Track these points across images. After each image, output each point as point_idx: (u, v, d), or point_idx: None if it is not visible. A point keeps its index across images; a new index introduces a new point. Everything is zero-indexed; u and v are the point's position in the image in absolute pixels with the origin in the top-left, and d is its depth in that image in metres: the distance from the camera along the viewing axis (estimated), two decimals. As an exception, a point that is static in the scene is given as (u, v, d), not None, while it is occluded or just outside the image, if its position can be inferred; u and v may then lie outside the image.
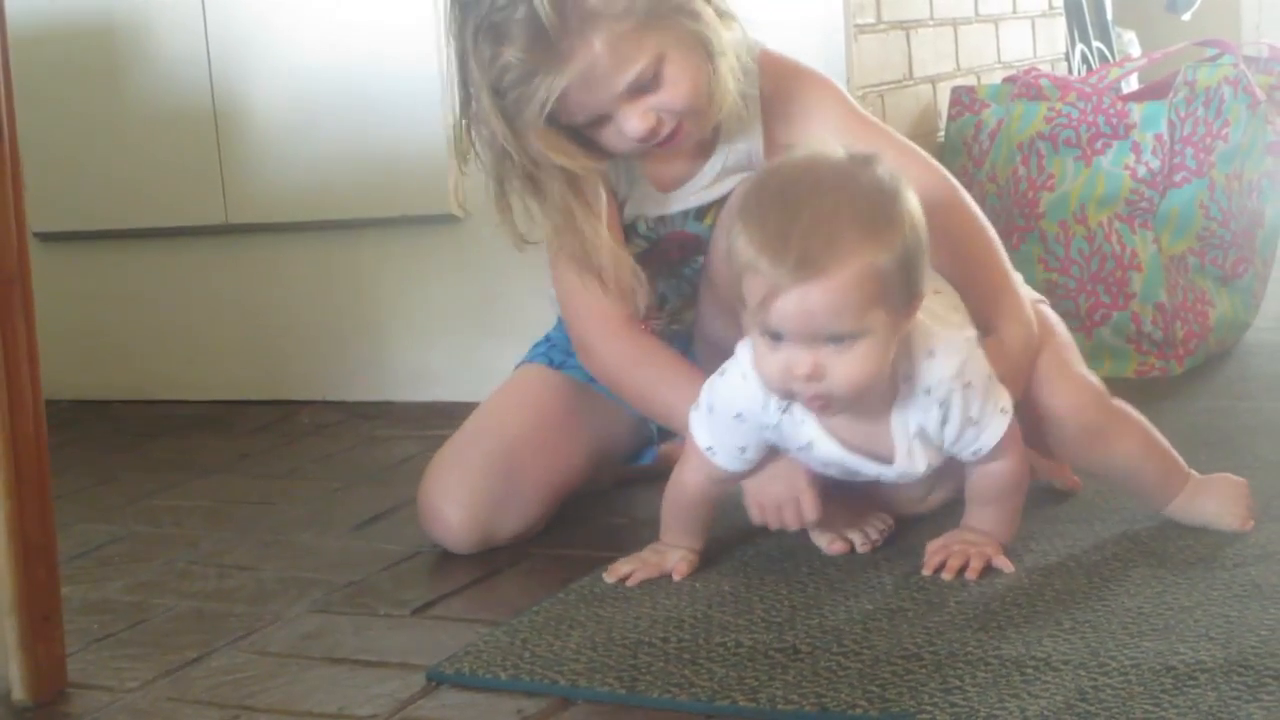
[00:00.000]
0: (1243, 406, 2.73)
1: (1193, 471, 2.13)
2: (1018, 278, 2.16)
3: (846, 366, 1.80)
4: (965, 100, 3.27)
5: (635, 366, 2.16)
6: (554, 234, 2.10)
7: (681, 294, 2.31)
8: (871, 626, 1.84)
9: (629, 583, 2.03)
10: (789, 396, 1.88)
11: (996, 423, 1.92)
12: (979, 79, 3.59)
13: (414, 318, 3.28)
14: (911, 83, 3.27)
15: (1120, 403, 2.11)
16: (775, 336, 1.82)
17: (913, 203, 1.83)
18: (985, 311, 2.05)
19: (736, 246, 1.80)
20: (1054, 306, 3.04)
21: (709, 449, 2.00)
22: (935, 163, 2.20)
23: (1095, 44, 5.14)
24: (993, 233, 2.15)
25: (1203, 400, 2.82)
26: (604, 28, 1.95)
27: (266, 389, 3.46)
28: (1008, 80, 3.36)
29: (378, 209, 3.21)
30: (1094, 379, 2.11)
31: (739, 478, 2.04)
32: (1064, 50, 4.29)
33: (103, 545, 2.46)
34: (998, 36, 3.77)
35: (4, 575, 1.80)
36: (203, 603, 2.16)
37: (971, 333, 1.93)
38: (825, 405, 1.87)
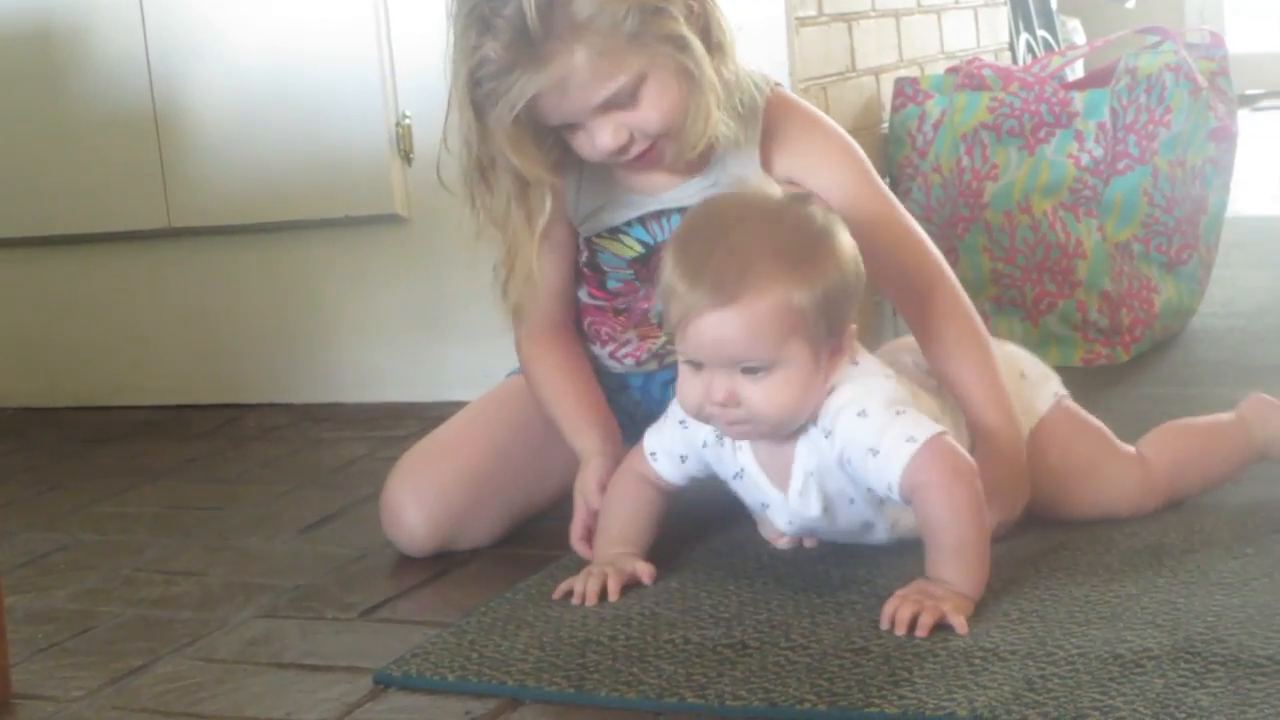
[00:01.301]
0: (1188, 393, 2.74)
1: (1237, 415, 2.20)
2: (1038, 371, 2.17)
3: (762, 395, 1.82)
4: (908, 91, 3.27)
5: (542, 380, 2.24)
6: (489, 229, 2.13)
7: None
8: (819, 620, 1.84)
9: (611, 597, 1.97)
10: (707, 421, 1.89)
11: (899, 452, 1.82)
12: (922, 70, 3.59)
13: (361, 319, 3.26)
14: (854, 75, 3.27)
15: (1164, 447, 2.16)
16: (695, 363, 1.84)
17: (844, 244, 1.84)
18: (972, 415, 2.04)
19: (662, 272, 1.83)
20: (999, 295, 3.06)
21: (652, 453, 2.01)
22: (937, 252, 2.16)
23: (1040, 33, 5.15)
24: (990, 342, 2.12)
25: (1149, 387, 2.83)
26: (588, 40, 1.94)
27: (213, 393, 3.44)
28: (950, 71, 3.36)
29: (322, 210, 3.20)
30: (1130, 466, 2.12)
31: (672, 491, 2.04)
32: (1007, 40, 4.30)
33: (48, 553, 2.44)
34: (940, 27, 3.77)
35: (-55, 586, 1.79)
36: (149, 610, 2.15)
37: (887, 377, 1.90)
38: (743, 433, 1.90)
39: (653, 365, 2.27)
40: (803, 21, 3.01)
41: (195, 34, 3.25)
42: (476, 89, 2.00)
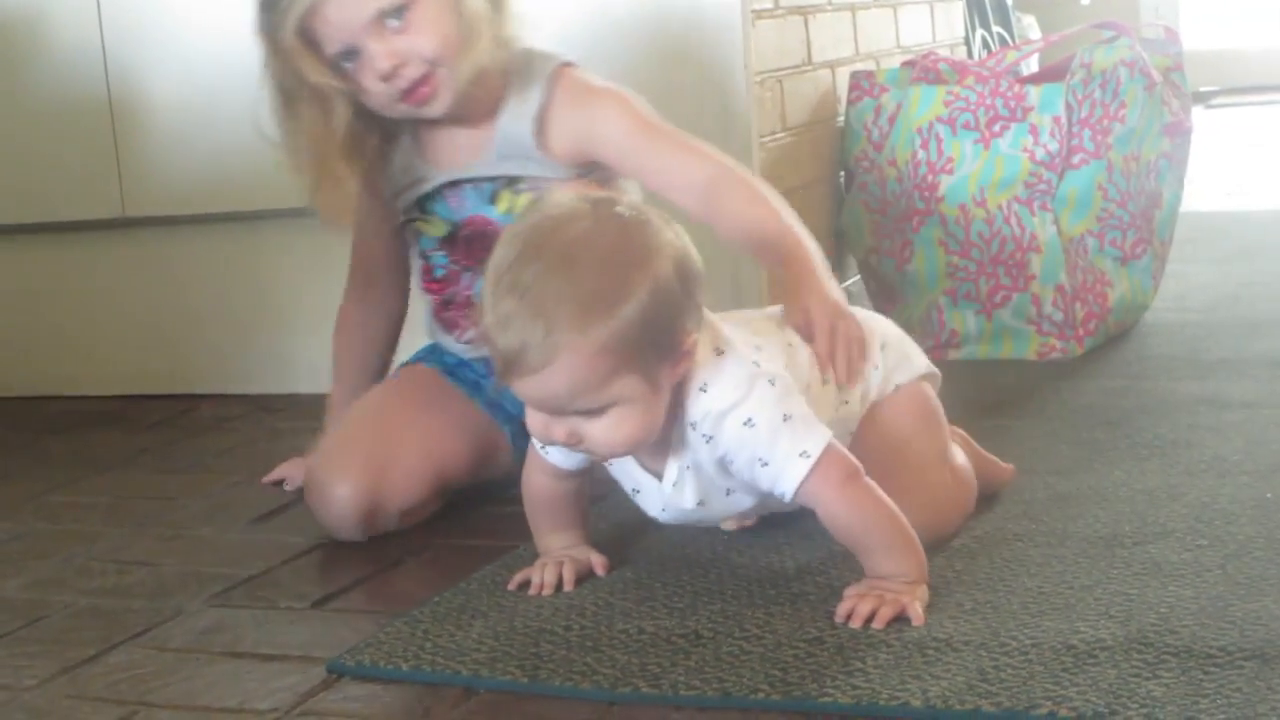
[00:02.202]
0: (1142, 386, 2.75)
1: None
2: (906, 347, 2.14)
3: (603, 433, 1.78)
4: (864, 85, 3.27)
5: (338, 331, 2.61)
6: (292, 155, 2.32)
7: None
8: (774, 611, 1.85)
9: (566, 586, 1.97)
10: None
11: (793, 468, 1.80)
12: (878, 63, 3.60)
13: (316, 309, 3.24)
14: (810, 68, 3.28)
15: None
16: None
17: (661, 253, 1.76)
18: (785, 286, 2.07)
19: (481, 323, 1.77)
20: (954, 289, 3.07)
21: (542, 447, 1.97)
22: (718, 154, 2.28)
23: (995, 28, 5.17)
24: (776, 196, 2.21)
25: (1103, 380, 2.84)
26: None
27: (167, 383, 3.43)
28: (906, 64, 3.37)
29: (278, 200, 3.18)
30: (939, 485, 2.06)
31: (578, 475, 2.01)
32: (963, 35, 4.32)
33: (0, 542, 2.43)
34: (896, 21, 3.78)
35: (-104, 574, 1.78)
36: (101, 599, 2.14)
37: (765, 370, 1.83)
38: (601, 459, 1.89)
39: None
40: (759, 14, 3.02)
41: (151, 22, 3.23)
42: (268, 12, 2.21)
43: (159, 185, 3.30)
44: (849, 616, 1.78)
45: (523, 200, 2.31)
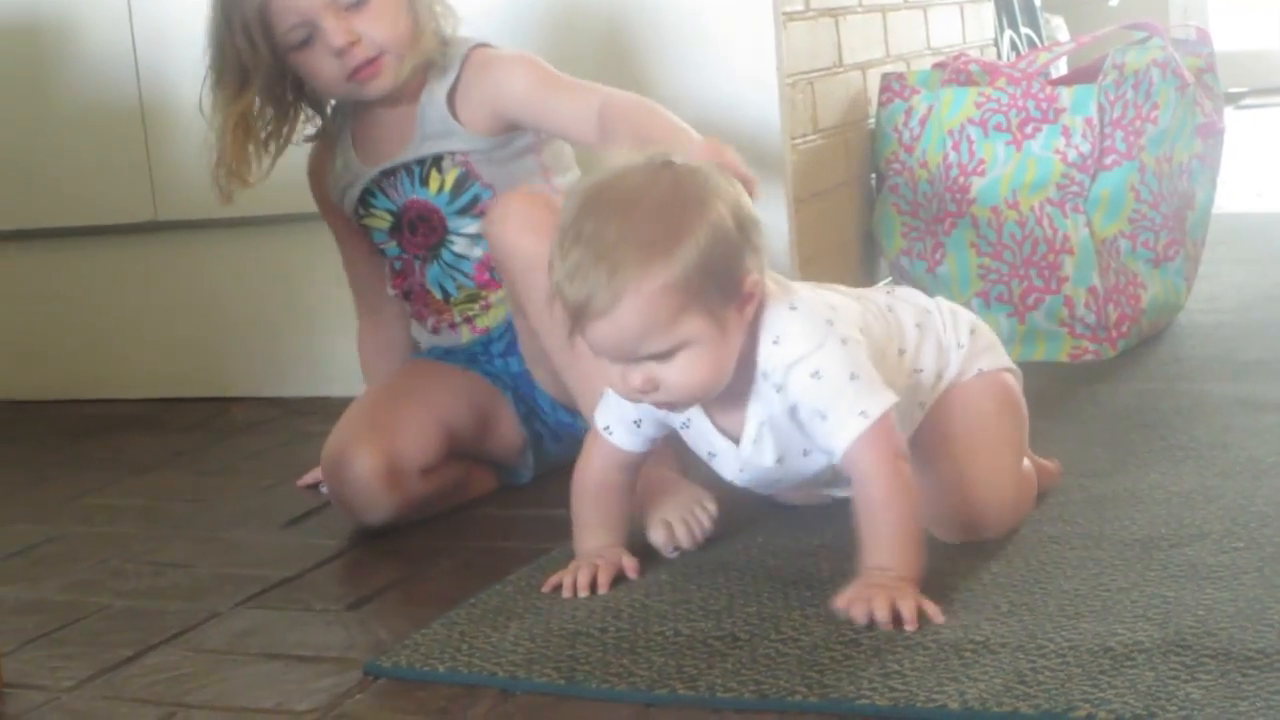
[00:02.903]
0: (1177, 388, 2.74)
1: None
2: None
3: (677, 376, 1.82)
4: (895, 87, 3.27)
5: (361, 357, 2.75)
6: (213, 127, 2.46)
7: (458, 283, 2.49)
8: (809, 613, 1.84)
9: (600, 589, 1.98)
10: (637, 402, 1.90)
11: (849, 425, 1.83)
12: (908, 65, 3.60)
13: (346, 312, 3.25)
14: (841, 70, 3.27)
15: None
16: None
17: (716, 198, 1.83)
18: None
19: (552, 280, 1.83)
20: (986, 291, 3.07)
21: (606, 428, 2.01)
22: (612, 89, 2.36)
23: (1024, 30, 5.16)
24: (673, 120, 2.24)
25: (1136, 383, 2.83)
26: None
27: (199, 386, 3.44)
28: (937, 66, 3.36)
29: (309, 204, 3.19)
30: (1016, 474, 2.09)
31: (637, 461, 2.04)
32: (992, 36, 4.30)
33: (36, 545, 2.45)
34: (927, 23, 3.78)
35: (-65, 577, 1.79)
36: (137, 601, 2.15)
37: (840, 330, 1.87)
38: (675, 409, 1.91)
39: (465, 331, 2.51)
40: (790, 16, 3.01)
41: (182, 26, 3.22)
42: None
43: (190, 189, 3.30)
44: (870, 615, 1.78)
45: (451, 176, 2.44)
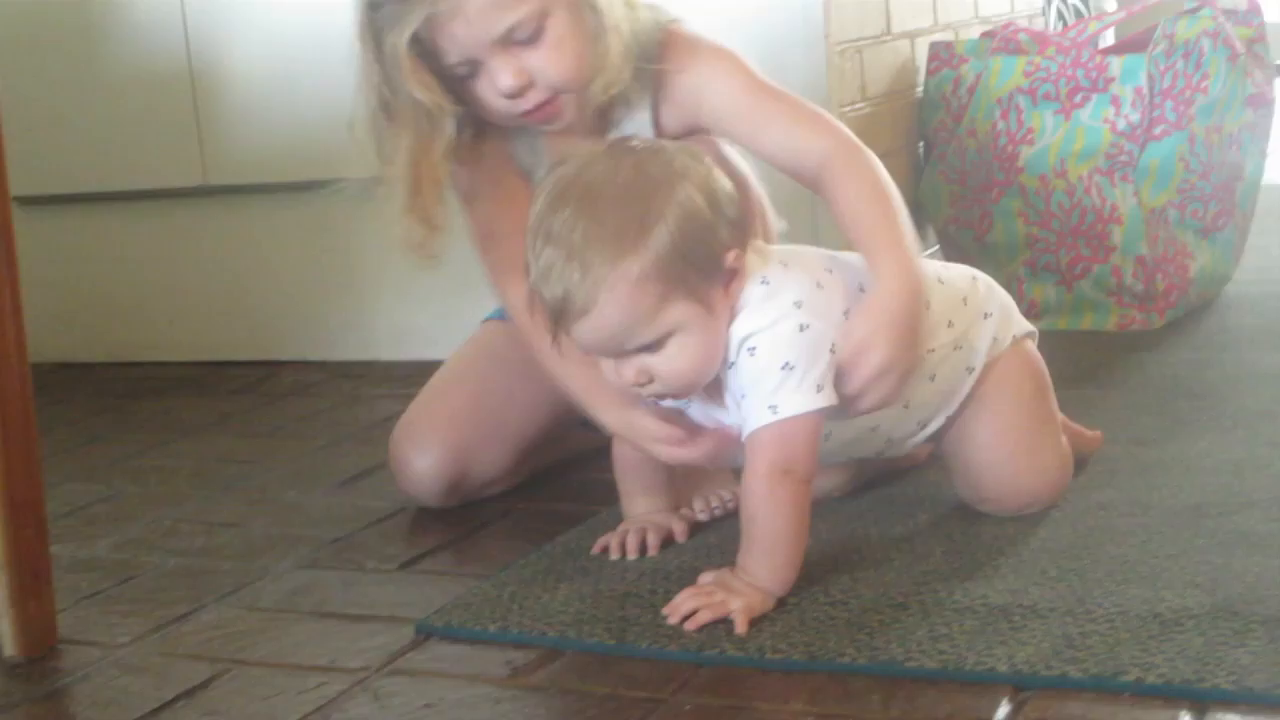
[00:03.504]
0: (1224, 358, 2.74)
1: None
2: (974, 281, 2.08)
3: (670, 364, 1.78)
4: (943, 55, 3.27)
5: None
6: (387, 169, 2.08)
7: None
8: (858, 577, 1.85)
9: (650, 552, 1.98)
10: (635, 394, 1.86)
11: (756, 415, 1.79)
12: (957, 34, 3.59)
13: (395, 276, 3.27)
14: (889, 38, 3.27)
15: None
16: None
17: (682, 178, 1.76)
18: (871, 271, 1.91)
19: (527, 281, 1.79)
20: (1034, 260, 3.07)
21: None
22: (836, 126, 2.05)
23: (1071, 0, 5.14)
24: (893, 196, 1.98)
25: (1184, 352, 2.83)
26: None
27: (248, 349, 3.46)
28: (986, 35, 3.35)
29: (357, 168, 3.20)
30: (1059, 450, 2.07)
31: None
32: (1040, 5, 4.29)
33: (89, 504, 2.47)
34: (976, -9, 3.77)
35: (-8, 533, 1.81)
36: (190, 560, 2.17)
37: (803, 317, 1.79)
38: (674, 399, 1.87)
39: None
40: (840, -16, 3.01)
41: (233, -9, 3.26)
42: (374, 12, 1.96)
43: (240, 153, 3.33)
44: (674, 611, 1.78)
45: None
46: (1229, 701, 1.48)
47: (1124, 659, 1.57)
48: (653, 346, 1.77)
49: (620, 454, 2.05)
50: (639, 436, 1.94)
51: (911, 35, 3.39)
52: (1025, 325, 2.07)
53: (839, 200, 1.96)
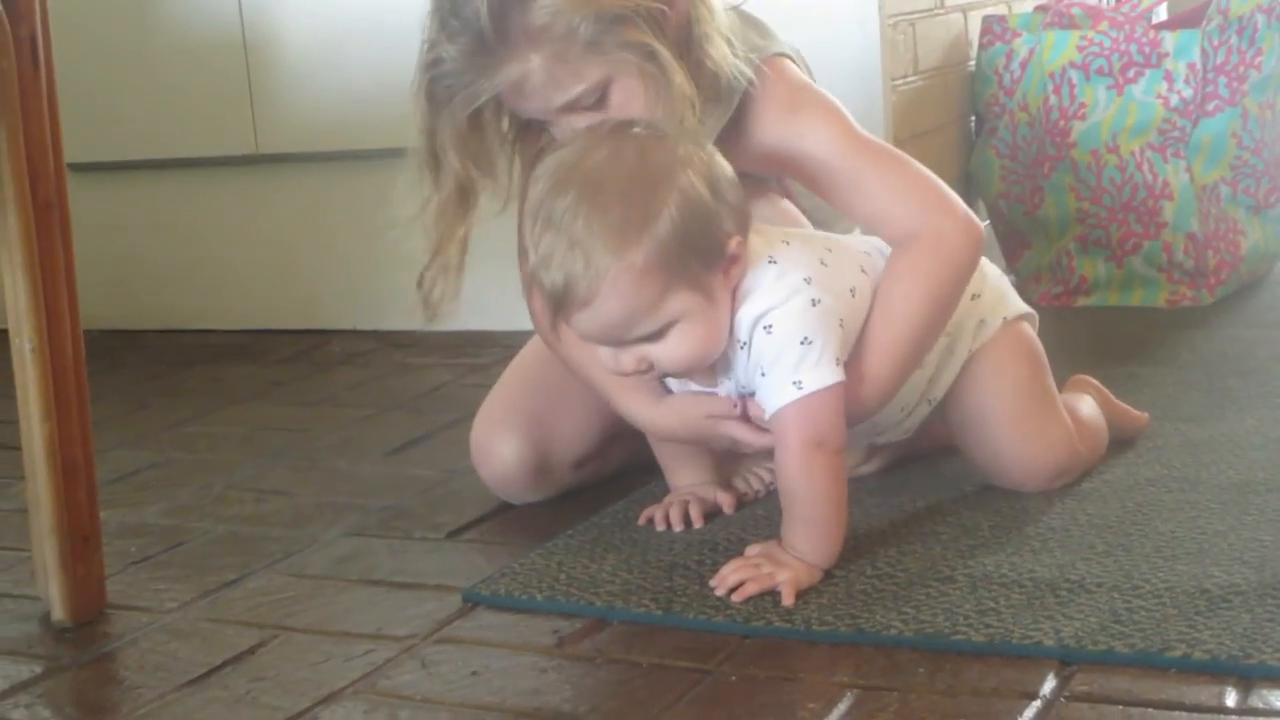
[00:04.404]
0: (1274, 336, 2.73)
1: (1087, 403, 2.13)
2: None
3: (670, 352, 1.77)
4: (996, 29, 3.26)
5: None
6: (432, 213, 2.03)
7: None
8: (905, 550, 1.85)
9: (695, 523, 1.98)
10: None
11: (781, 391, 1.78)
12: (1010, 8, 3.58)
13: (445, 247, 3.28)
14: (942, 11, 3.26)
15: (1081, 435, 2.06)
16: None
17: (684, 162, 1.73)
18: (851, 362, 1.85)
19: (526, 267, 1.77)
20: (1085, 235, 3.06)
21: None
22: (930, 202, 1.93)
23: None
24: (937, 312, 1.91)
25: (1234, 329, 2.82)
26: (544, 48, 1.82)
27: (297, 318, 3.47)
28: (1039, 9, 3.34)
29: (409, 139, 3.20)
30: (1064, 425, 2.03)
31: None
32: (1095, -20, 4.27)
33: (139, 470, 2.48)
34: (1029, -34, 3.76)
35: (44, 497, 1.82)
36: (239, 526, 2.18)
37: (814, 292, 1.78)
38: (674, 378, 1.87)
39: None
40: (893, -43, 3.01)
41: (286, -40, 3.27)
42: (433, 84, 1.91)
43: (292, 122, 3.34)
44: (721, 582, 1.78)
45: None
46: (1275, 678, 1.47)
47: (1170, 635, 1.56)
48: (653, 336, 1.75)
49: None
50: (700, 424, 1.92)
51: (965, 9, 3.38)
52: (1020, 307, 2.04)
53: (888, 286, 1.90)
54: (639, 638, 1.70)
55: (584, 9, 1.80)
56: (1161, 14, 3.80)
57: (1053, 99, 3.14)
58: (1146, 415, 2.22)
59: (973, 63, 3.35)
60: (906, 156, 1.99)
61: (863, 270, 1.89)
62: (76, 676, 1.72)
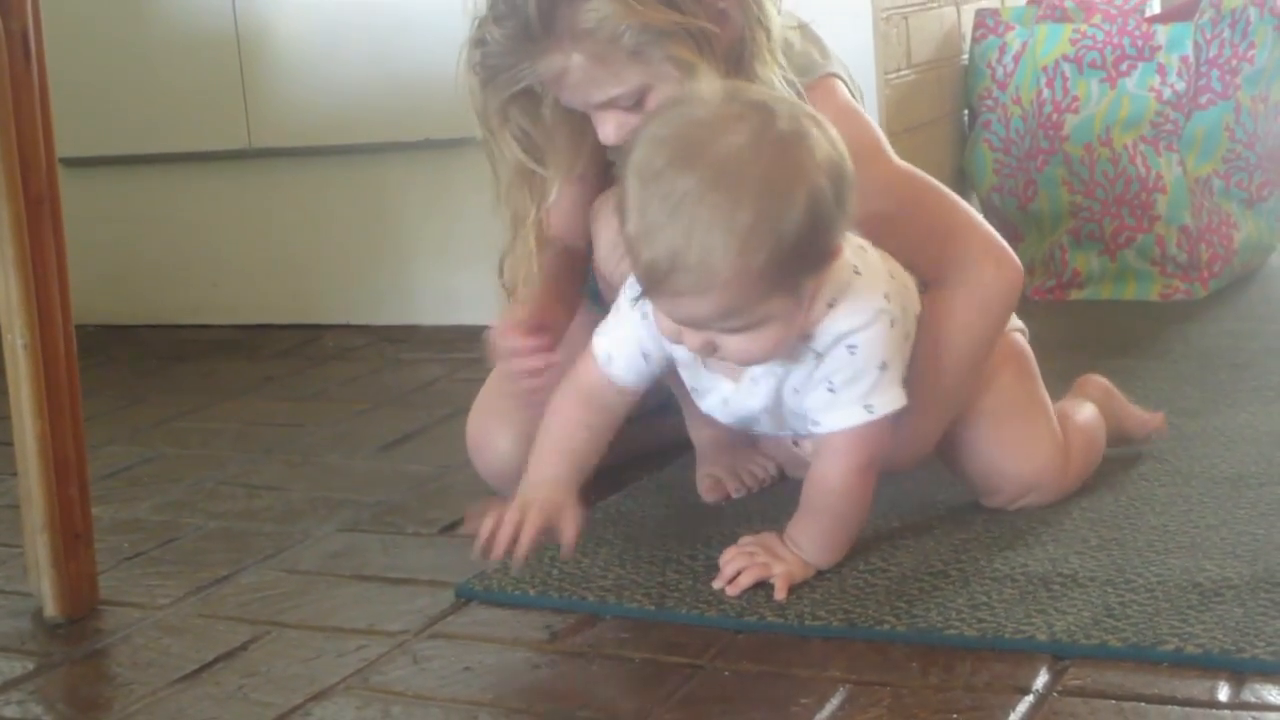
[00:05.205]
0: (1267, 329, 2.73)
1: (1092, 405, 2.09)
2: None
3: (745, 345, 1.69)
4: (989, 23, 3.26)
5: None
6: (500, 197, 2.03)
7: None
8: (898, 544, 1.85)
9: (495, 556, 1.78)
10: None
11: (849, 412, 1.75)
12: (1003, 1, 3.58)
13: (439, 241, 3.28)
14: (935, 5, 3.26)
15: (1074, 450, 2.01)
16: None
17: (819, 166, 1.64)
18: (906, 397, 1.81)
19: (624, 228, 1.66)
20: (1078, 229, 3.06)
21: (607, 356, 1.84)
22: (977, 248, 1.94)
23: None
24: (978, 348, 1.92)
25: (1227, 323, 2.82)
26: (586, 47, 1.82)
27: (291, 313, 3.47)
28: (1032, 2, 3.34)
29: (402, 132, 3.21)
30: (1049, 436, 1.98)
31: (630, 402, 1.87)
32: (1088, -27, 4.27)
33: (132, 466, 2.48)
34: (1022, -41, 3.76)
35: (36, 494, 1.81)
36: (231, 522, 2.18)
37: (891, 309, 1.75)
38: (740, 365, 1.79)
39: None
40: (886, -50, 3.00)
41: (278, -45, 3.26)
42: (479, 61, 1.91)
43: (285, 117, 3.34)
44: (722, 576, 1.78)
45: None
46: (1267, 672, 1.47)
47: (1163, 629, 1.56)
48: (735, 329, 1.67)
49: (554, 411, 1.89)
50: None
51: (957, 2, 3.38)
52: (1012, 321, 2.00)
53: (930, 337, 1.87)
54: (632, 633, 1.70)
55: (631, 19, 1.79)
56: (1154, 7, 3.80)
57: (1045, 92, 3.14)
58: (1161, 415, 2.18)
59: (965, 56, 3.35)
60: (947, 191, 1.97)
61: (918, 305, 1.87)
62: (69, 673, 1.72)
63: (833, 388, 1.75)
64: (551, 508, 1.79)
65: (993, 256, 1.93)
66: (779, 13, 1.94)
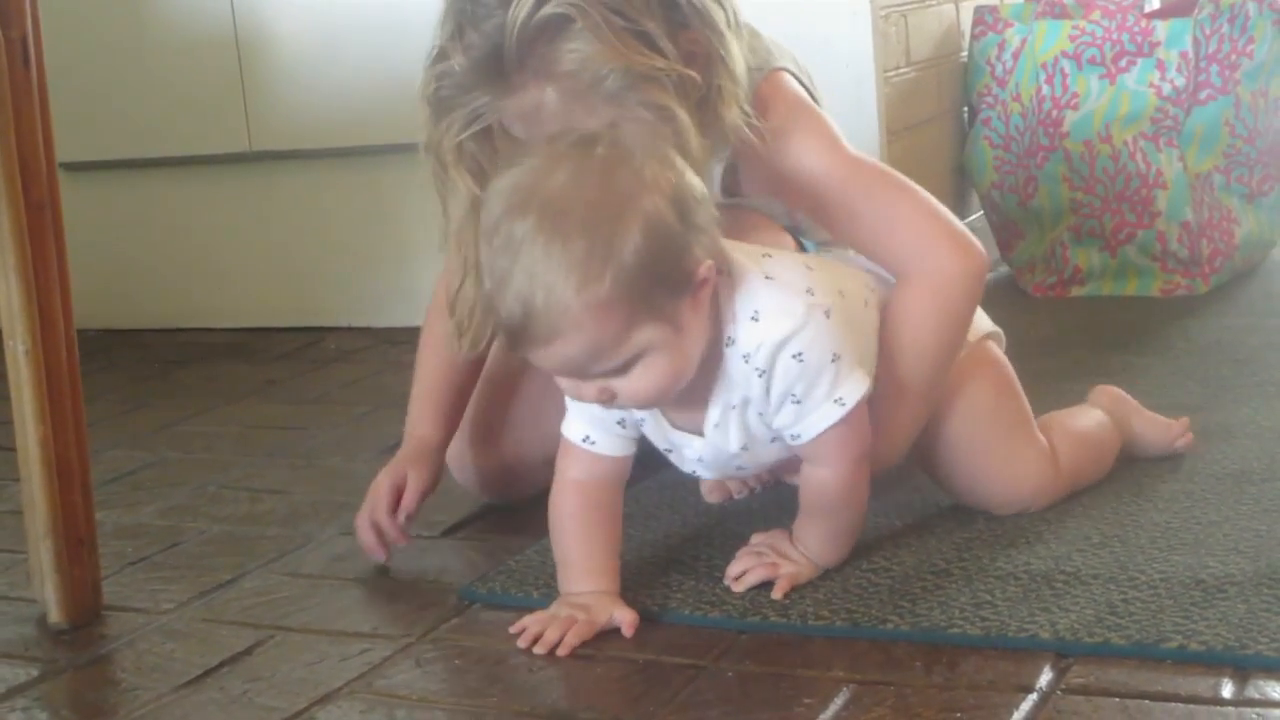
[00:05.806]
0: (1269, 324, 2.73)
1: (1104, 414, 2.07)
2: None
3: (636, 384, 1.64)
4: (988, 19, 3.26)
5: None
6: (451, 236, 1.97)
7: None
8: (901, 543, 1.85)
9: (560, 651, 1.69)
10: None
11: (823, 411, 1.70)
12: (1002, -2, 3.58)
13: (439, 242, 3.27)
14: (934, 2, 3.26)
15: (1068, 456, 1.98)
16: None
17: (650, 187, 1.60)
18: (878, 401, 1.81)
19: (481, 290, 1.69)
20: (1079, 225, 3.06)
21: (585, 439, 1.80)
22: (938, 229, 1.90)
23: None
24: (945, 337, 1.88)
25: (1228, 318, 2.82)
26: (563, 85, 1.75)
27: (292, 315, 3.47)
28: (1031, -1, 3.35)
29: (403, 134, 3.18)
30: (1033, 453, 1.94)
31: (625, 471, 1.83)
32: (1087, -31, 4.27)
33: (134, 471, 2.48)
34: (1021, -45, 3.75)
35: (39, 500, 1.81)
36: (235, 526, 2.18)
37: (820, 301, 1.70)
38: (640, 408, 1.74)
39: None
40: (884, -52, 3.00)
41: (277, -43, 3.26)
42: (437, 91, 1.83)
43: (285, 120, 3.34)
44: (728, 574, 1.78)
45: None
46: (1271, 669, 1.47)
47: (1166, 626, 1.56)
48: (618, 370, 1.63)
49: (560, 514, 1.83)
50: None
51: (956, -1, 3.38)
52: (986, 326, 1.98)
53: (892, 331, 1.86)
54: (636, 634, 1.69)
55: (613, 63, 1.73)
56: (1154, 3, 3.80)
57: (1045, 89, 3.14)
58: (1185, 421, 2.13)
59: (965, 53, 3.35)
60: (906, 180, 1.92)
61: (869, 288, 1.85)
62: (73, 679, 1.72)
63: (797, 399, 1.70)
64: (599, 612, 1.73)
65: (950, 242, 1.88)
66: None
